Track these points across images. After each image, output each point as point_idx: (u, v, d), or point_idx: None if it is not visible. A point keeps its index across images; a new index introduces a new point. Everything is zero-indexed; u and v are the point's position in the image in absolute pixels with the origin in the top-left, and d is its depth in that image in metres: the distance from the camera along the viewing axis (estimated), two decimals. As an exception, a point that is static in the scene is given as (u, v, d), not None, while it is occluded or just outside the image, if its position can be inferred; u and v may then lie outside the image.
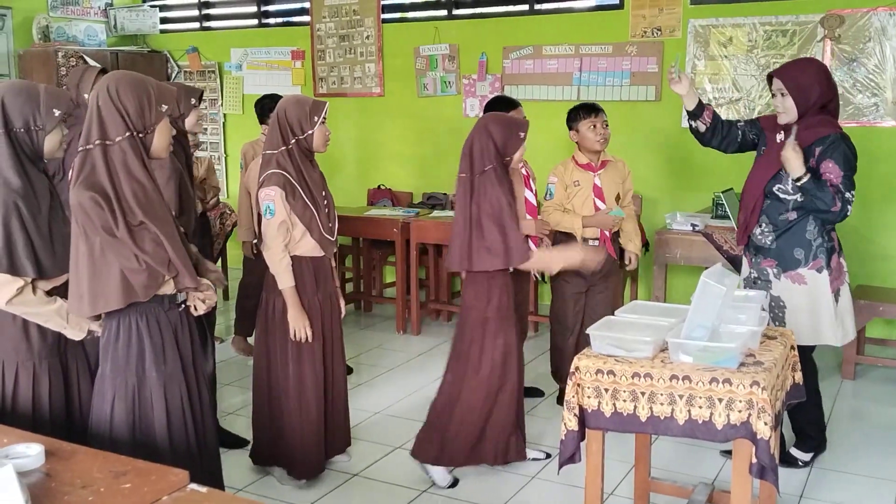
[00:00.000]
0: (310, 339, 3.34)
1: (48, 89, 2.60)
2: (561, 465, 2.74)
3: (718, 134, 3.54)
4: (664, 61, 5.64)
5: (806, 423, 3.61)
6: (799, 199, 3.29)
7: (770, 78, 3.41)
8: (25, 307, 2.52)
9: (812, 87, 3.28)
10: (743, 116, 5.42)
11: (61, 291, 2.61)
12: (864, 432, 4.04)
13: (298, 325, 3.32)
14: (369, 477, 3.59)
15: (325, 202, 3.40)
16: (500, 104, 4.24)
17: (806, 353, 3.43)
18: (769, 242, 3.40)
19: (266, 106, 4.76)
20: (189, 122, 3.70)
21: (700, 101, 3.50)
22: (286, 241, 3.30)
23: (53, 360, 2.64)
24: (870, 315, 4.58)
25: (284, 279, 3.31)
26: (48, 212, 2.55)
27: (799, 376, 2.92)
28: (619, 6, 5.81)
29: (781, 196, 3.35)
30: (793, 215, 3.34)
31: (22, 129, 2.51)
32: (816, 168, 3.26)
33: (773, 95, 3.39)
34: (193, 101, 3.69)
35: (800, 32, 5.26)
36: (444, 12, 6.52)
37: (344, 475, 3.59)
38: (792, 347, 2.87)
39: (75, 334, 2.62)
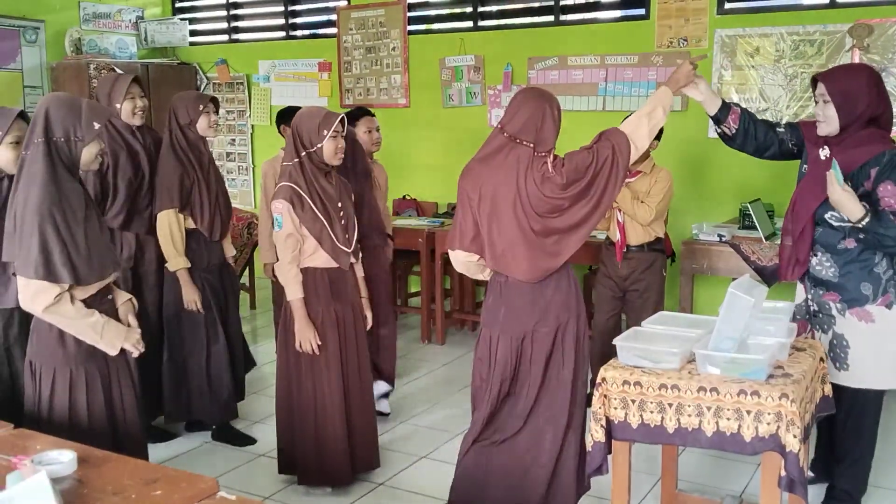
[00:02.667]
0: (316, 352, 3.34)
1: (90, 104, 2.68)
2: (588, 477, 2.73)
3: (751, 139, 3.19)
4: (690, 71, 5.61)
5: (854, 484, 3.22)
6: (859, 236, 2.93)
7: (815, 81, 3.05)
8: (61, 317, 2.56)
9: (859, 96, 2.91)
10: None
11: (97, 300, 2.65)
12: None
13: (304, 337, 3.33)
14: (395, 486, 3.60)
15: (342, 213, 3.41)
16: None
17: (870, 399, 3.08)
18: (831, 275, 3.03)
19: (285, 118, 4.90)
20: (201, 127, 3.91)
21: (724, 103, 3.18)
22: (294, 252, 3.32)
23: (90, 366, 2.66)
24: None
25: (291, 290, 3.33)
26: (84, 220, 2.60)
27: (828, 388, 2.88)
28: (645, 17, 5.80)
29: (835, 224, 2.99)
30: (851, 243, 2.98)
31: (62, 139, 2.57)
32: (873, 190, 2.90)
33: (816, 102, 3.03)
34: (202, 106, 3.88)
35: (828, 42, 5.22)
36: (469, 24, 6.55)
37: (370, 484, 3.60)
38: (821, 359, 2.85)
39: (108, 350, 2.66)
